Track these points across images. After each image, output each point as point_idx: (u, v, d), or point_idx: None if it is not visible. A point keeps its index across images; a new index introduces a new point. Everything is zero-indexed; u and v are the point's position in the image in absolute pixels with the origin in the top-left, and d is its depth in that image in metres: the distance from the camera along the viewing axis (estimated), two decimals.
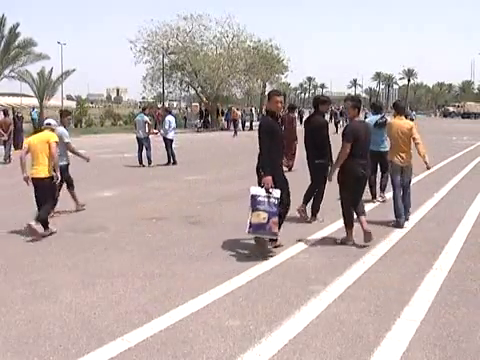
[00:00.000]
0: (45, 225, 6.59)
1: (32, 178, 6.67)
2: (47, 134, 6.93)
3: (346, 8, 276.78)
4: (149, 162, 14.49)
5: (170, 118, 15.07)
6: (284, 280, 4.87)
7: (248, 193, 5.58)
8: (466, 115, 72.09)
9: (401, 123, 7.35)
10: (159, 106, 42.50)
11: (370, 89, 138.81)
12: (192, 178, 11.92)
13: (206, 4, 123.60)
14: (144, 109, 16.45)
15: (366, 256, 5.66)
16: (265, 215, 5.46)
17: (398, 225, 7.01)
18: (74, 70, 36.06)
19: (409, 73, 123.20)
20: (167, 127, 14.84)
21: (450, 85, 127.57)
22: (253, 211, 5.50)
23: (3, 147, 16.39)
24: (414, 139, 7.24)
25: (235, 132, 30.83)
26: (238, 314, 4.09)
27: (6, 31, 31.32)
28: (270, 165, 5.67)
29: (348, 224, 6.24)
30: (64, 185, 7.97)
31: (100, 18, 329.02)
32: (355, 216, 6.24)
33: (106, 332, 3.76)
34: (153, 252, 5.85)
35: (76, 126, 35.72)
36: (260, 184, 5.73)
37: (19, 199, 9.33)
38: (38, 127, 28.82)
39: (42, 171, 6.63)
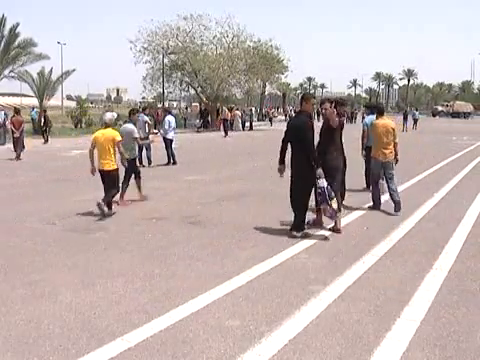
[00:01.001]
0: (109, 206, 7.78)
1: (100, 170, 7.85)
2: (112, 132, 7.94)
3: (346, 8, 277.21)
4: (149, 162, 14.48)
5: (170, 118, 15.05)
6: (284, 280, 4.87)
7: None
8: (455, 114, 71.38)
9: (385, 123, 8.16)
10: (159, 106, 42.48)
11: (370, 89, 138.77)
12: (192, 178, 11.92)
13: (206, 4, 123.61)
14: (144, 109, 16.36)
15: (366, 256, 5.67)
16: (335, 199, 6.44)
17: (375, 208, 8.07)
18: (74, 70, 35.98)
19: (409, 73, 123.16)
20: (167, 127, 14.83)
21: (450, 85, 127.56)
22: (331, 199, 6.34)
23: (12, 145, 17.18)
24: (394, 137, 8.08)
25: (225, 132, 29.66)
26: (238, 314, 4.09)
27: (6, 31, 31.25)
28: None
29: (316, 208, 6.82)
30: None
31: (100, 18, 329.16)
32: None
33: (106, 332, 3.76)
34: (153, 252, 5.85)
35: (76, 126, 35.65)
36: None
37: (19, 199, 9.34)
38: (38, 127, 28.98)
39: (108, 164, 7.82)
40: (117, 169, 7.95)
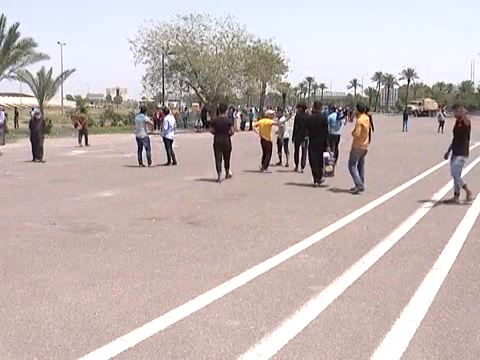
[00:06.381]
0: (266, 167, 13.07)
1: (263, 139, 13.09)
2: (269, 120, 13.53)
3: (346, 8, 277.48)
4: (149, 162, 14.48)
5: (169, 118, 15.00)
6: (284, 280, 4.87)
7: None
8: (424, 113, 67.02)
9: (367, 118, 9.95)
10: (159, 106, 42.45)
11: (370, 89, 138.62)
12: (192, 178, 11.92)
13: (206, 4, 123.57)
14: (144, 110, 16.17)
15: (366, 256, 5.67)
16: (331, 167, 10.75)
17: (361, 189, 9.72)
18: (74, 70, 36.06)
19: (409, 73, 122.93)
20: (166, 127, 14.78)
21: (450, 85, 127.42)
22: (326, 165, 10.57)
23: (78, 134, 22.21)
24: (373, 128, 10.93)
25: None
26: (238, 314, 4.09)
27: (6, 31, 31.25)
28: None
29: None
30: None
31: (100, 18, 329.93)
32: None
33: (106, 332, 3.76)
34: (153, 252, 5.85)
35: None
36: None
37: (19, 199, 9.34)
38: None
39: (268, 138, 13.06)
40: (271, 142, 13.23)
